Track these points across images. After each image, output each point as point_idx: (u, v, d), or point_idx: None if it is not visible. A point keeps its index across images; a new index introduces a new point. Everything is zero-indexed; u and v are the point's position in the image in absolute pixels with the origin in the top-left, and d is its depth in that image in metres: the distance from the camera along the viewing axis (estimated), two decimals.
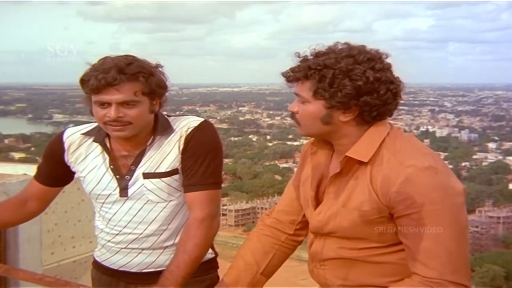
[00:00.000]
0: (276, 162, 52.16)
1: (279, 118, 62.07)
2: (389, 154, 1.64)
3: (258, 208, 41.78)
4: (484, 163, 52.65)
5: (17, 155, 43.25)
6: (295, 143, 52.23)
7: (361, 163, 1.66)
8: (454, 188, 1.60)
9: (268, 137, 58.07)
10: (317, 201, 1.79)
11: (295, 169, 2.00)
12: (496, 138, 57.50)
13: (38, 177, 2.21)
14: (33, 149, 50.17)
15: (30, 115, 63.63)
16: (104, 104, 1.93)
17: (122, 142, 2.05)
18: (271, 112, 65.02)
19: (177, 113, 2.18)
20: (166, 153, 2.03)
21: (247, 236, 2.03)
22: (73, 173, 2.17)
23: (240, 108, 65.82)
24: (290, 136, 55.81)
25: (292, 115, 1.75)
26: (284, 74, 1.73)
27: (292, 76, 1.70)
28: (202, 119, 2.06)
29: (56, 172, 2.18)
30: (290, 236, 1.94)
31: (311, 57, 1.69)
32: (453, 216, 1.58)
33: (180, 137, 2.02)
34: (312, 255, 1.83)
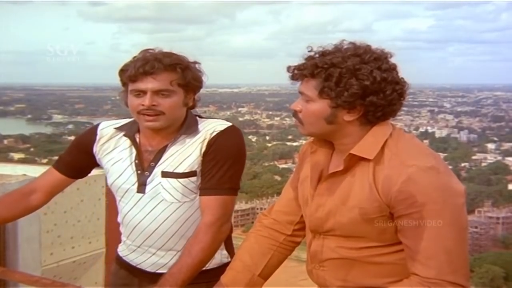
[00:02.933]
0: (276, 162, 52.14)
1: (278, 118, 62.08)
2: (391, 154, 1.63)
3: (257, 209, 41.77)
4: (483, 164, 52.67)
5: (16, 156, 43.21)
6: (295, 144, 52.18)
7: (361, 160, 1.66)
8: (455, 189, 1.60)
9: (268, 137, 58.08)
10: None
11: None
12: (495, 138, 57.52)
13: (58, 166, 2.22)
14: (32, 149, 50.13)
15: (29, 116, 63.56)
16: (139, 94, 1.97)
17: (150, 136, 2.07)
18: (270, 112, 65.02)
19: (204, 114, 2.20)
20: (187, 154, 2.03)
21: (245, 237, 2.03)
22: (93, 166, 2.22)
23: (239, 109, 65.83)
24: (290, 137, 55.81)
25: (295, 113, 1.74)
26: (289, 71, 1.72)
27: (298, 73, 1.70)
28: (229, 124, 2.07)
29: (79, 162, 2.21)
30: (288, 237, 1.93)
31: (317, 55, 1.68)
32: (453, 216, 1.58)
33: (204, 139, 2.03)
34: (311, 255, 1.82)
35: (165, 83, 1.97)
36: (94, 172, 2.33)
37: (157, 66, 1.95)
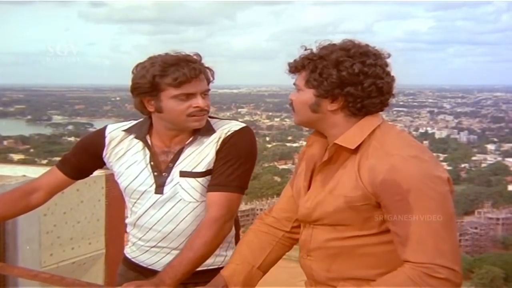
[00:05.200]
0: (275, 163, 52.12)
1: (278, 119, 62.11)
2: (376, 144, 1.69)
3: (257, 210, 41.72)
4: (483, 165, 52.66)
5: (16, 157, 43.16)
6: (294, 145, 52.20)
7: (349, 152, 1.72)
8: (439, 177, 1.64)
9: (267, 138, 58.07)
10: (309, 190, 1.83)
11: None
12: (495, 139, 57.51)
13: (62, 167, 2.23)
14: (32, 150, 50.09)
15: (29, 117, 63.52)
16: (185, 96, 2.00)
17: (166, 138, 2.10)
18: (270, 113, 65.04)
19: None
20: (205, 154, 2.07)
21: (244, 233, 2.06)
22: (97, 169, 2.25)
23: (239, 110, 65.81)
24: (289, 138, 55.83)
25: (291, 103, 1.83)
26: (288, 65, 1.81)
27: (293, 66, 1.79)
28: (244, 125, 2.12)
29: (84, 165, 2.23)
30: (287, 233, 1.96)
31: (315, 50, 1.77)
32: (439, 202, 1.61)
33: (219, 138, 2.07)
34: (300, 244, 1.86)
35: (206, 84, 2.05)
36: (94, 173, 2.33)
37: (201, 68, 2.01)
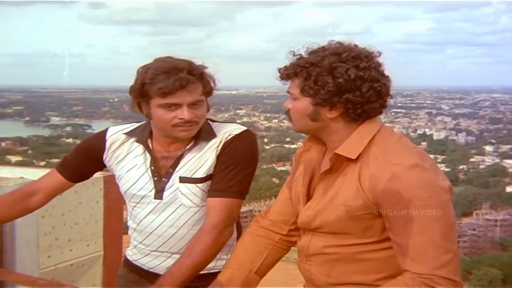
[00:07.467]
0: (274, 165, 52.18)
1: (276, 121, 62.20)
2: (377, 152, 1.67)
3: (255, 211, 41.67)
4: (481, 166, 52.80)
5: (14, 158, 43.05)
6: (293, 146, 52.23)
7: (350, 160, 1.69)
8: (441, 186, 1.62)
9: (266, 140, 58.11)
10: (308, 197, 1.82)
11: None
12: (493, 141, 57.66)
13: (62, 169, 2.20)
14: (30, 152, 50.07)
15: (27, 118, 63.53)
16: (171, 106, 1.95)
17: (165, 143, 2.07)
18: (268, 115, 65.15)
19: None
20: (205, 159, 2.04)
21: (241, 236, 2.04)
22: (97, 171, 2.23)
23: (237, 111, 65.89)
24: (288, 139, 55.89)
25: (287, 112, 1.80)
26: (278, 71, 1.78)
27: (284, 73, 1.75)
28: (245, 128, 2.08)
29: (85, 168, 2.20)
30: (284, 237, 1.95)
31: (304, 55, 1.73)
32: (439, 212, 1.59)
33: (220, 142, 2.04)
34: (299, 249, 1.85)
35: (197, 95, 1.97)
36: None
37: (191, 79, 1.93)
